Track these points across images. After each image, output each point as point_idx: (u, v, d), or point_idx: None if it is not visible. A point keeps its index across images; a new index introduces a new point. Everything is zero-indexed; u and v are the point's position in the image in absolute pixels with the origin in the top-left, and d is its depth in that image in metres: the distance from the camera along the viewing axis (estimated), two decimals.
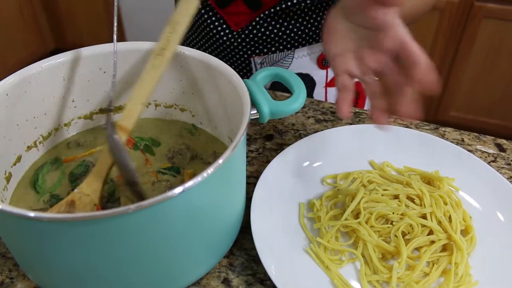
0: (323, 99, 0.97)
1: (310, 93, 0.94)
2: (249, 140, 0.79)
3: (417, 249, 0.58)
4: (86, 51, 0.61)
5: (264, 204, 0.62)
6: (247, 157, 0.75)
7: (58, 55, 0.59)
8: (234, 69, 0.92)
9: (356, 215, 0.61)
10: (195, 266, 0.53)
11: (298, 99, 0.56)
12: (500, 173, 0.71)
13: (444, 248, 0.58)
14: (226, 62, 0.90)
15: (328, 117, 0.84)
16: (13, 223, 0.44)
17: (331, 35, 0.56)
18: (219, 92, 0.60)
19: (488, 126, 2.35)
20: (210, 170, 0.43)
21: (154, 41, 0.62)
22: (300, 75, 0.91)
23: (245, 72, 0.94)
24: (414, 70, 0.48)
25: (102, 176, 0.53)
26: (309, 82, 0.92)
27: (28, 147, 0.60)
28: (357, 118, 0.84)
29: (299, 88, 0.57)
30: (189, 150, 0.63)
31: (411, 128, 0.81)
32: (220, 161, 0.44)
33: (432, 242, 0.58)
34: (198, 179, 0.42)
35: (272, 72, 0.59)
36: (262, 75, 0.58)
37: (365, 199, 0.61)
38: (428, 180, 0.67)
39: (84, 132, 0.67)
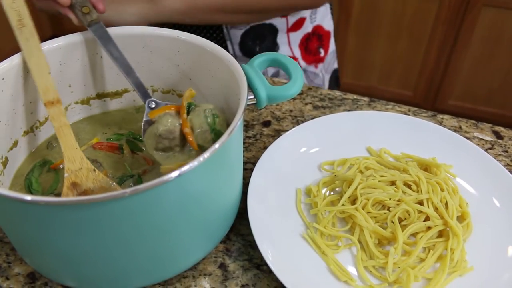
0: (287, 44, 1.02)
1: (274, 40, 1.01)
2: (247, 126, 0.79)
3: (413, 235, 0.58)
4: (83, 36, 0.60)
5: (261, 189, 0.62)
6: (244, 143, 0.75)
7: (54, 39, 0.59)
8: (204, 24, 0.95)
9: (353, 201, 0.61)
10: (191, 251, 0.53)
11: (295, 85, 0.56)
12: (497, 160, 0.71)
13: (440, 234, 0.58)
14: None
15: (326, 104, 0.84)
16: (10, 207, 0.43)
17: None
18: (216, 77, 0.60)
19: (486, 115, 2.35)
20: (206, 154, 0.43)
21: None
22: (264, 25, 0.97)
23: (215, 29, 0.98)
24: None
25: (75, 145, 0.55)
26: (271, 29, 0.98)
27: (24, 132, 0.60)
28: (355, 105, 0.84)
29: (297, 74, 0.57)
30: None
31: (408, 114, 0.81)
32: (216, 146, 0.44)
33: (429, 228, 0.58)
34: (194, 163, 0.42)
35: (269, 58, 0.59)
36: (260, 60, 0.58)
37: (362, 185, 0.61)
38: (425, 167, 0.67)
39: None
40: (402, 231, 0.56)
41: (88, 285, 0.52)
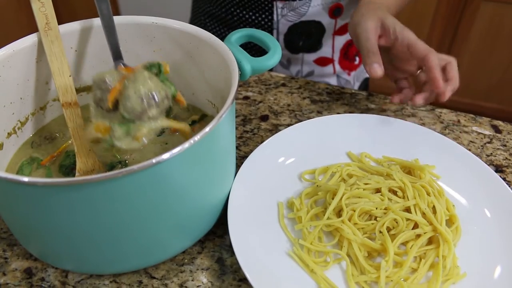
0: (331, 46, 1.04)
1: (319, 39, 1.02)
2: (244, 120, 0.78)
3: (403, 243, 0.56)
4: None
5: (242, 205, 0.58)
6: (242, 137, 0.74)
7: (29, 36, 0.57)
8: (256, 9, 0.98)
9: (338, 212, 0.58)
10: (182, 235, 0.53)
11: (275, 54, 0.57)
12: (496, 154, 0.70)
13: (430, 241, 0.57)
14: (249, 6, 0.96)
15: (324, 98, 0.83)
16: (8, 190, 0.44)
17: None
18: (204, 62, 0.60)
19: (485, 110, 2.33)
20: (197, 137, 0.43)
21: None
22: (313, 22, 0.99)
23: (267, 15, 0.98)
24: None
25: (88, 147, 0.56)
26: (319, 29, 1.00)
27: (8, 133, 0.59)
28: (353, 99, 0.82)
29: (274, 45, 0.58)
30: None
31: (407, 109, 0.80)
32: (207, 129, 0.44)
33: (418, 235, 0.56)
34: (185, 145, 0.42)
35: (245, 33, 0.60)
36: (236, 36, 0.59)
37: (347, 195, 0.58)
38: (409, 170, 0.65)
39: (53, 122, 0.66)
40: (392, 241, 0.54)
41: (87, 267, 0.52)
